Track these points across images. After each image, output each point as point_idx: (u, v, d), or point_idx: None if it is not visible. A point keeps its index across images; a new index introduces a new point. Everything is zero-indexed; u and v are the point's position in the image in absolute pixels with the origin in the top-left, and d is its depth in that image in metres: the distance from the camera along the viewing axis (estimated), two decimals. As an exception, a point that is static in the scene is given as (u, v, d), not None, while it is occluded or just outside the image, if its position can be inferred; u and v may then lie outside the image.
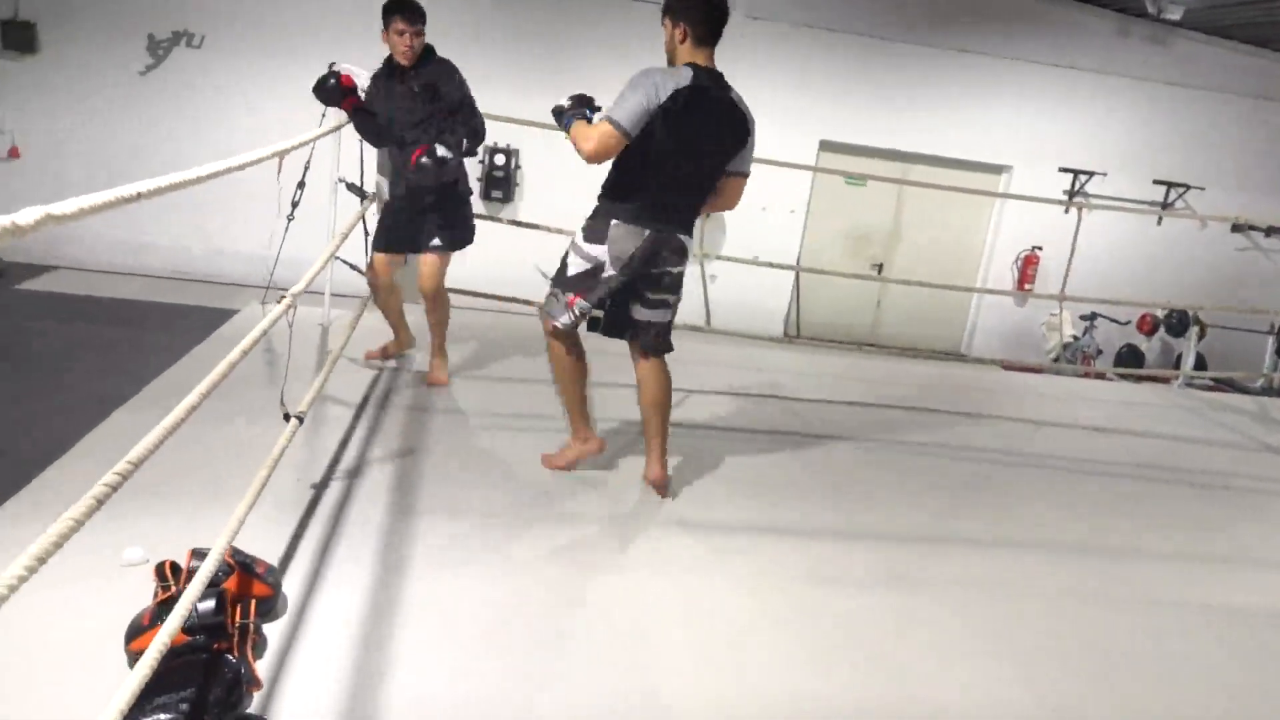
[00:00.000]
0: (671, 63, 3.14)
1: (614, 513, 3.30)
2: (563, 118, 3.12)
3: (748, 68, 8.49)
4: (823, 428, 4.52)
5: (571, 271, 3.23)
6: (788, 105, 8.57)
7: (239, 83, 7.66)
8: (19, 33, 7.27)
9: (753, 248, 7.94)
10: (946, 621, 2.84)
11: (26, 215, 1.11)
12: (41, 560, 1.23)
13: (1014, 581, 3.17)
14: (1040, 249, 9.35)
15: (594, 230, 3.19)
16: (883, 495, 3.79)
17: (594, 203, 3.26)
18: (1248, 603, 3.24)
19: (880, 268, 9.43)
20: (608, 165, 3.18)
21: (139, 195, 1.45)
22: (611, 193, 3.20)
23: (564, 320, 3.27)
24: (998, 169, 9.32)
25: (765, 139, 8.40)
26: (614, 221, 3.16)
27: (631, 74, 3.05)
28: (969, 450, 4.49)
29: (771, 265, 6.46)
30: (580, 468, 3.55)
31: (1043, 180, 9.14)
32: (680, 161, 3.12)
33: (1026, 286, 9.33)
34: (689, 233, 3.30)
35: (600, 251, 3.17)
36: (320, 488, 3.13)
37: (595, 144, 2.97)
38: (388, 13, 3.88)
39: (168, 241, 7.84)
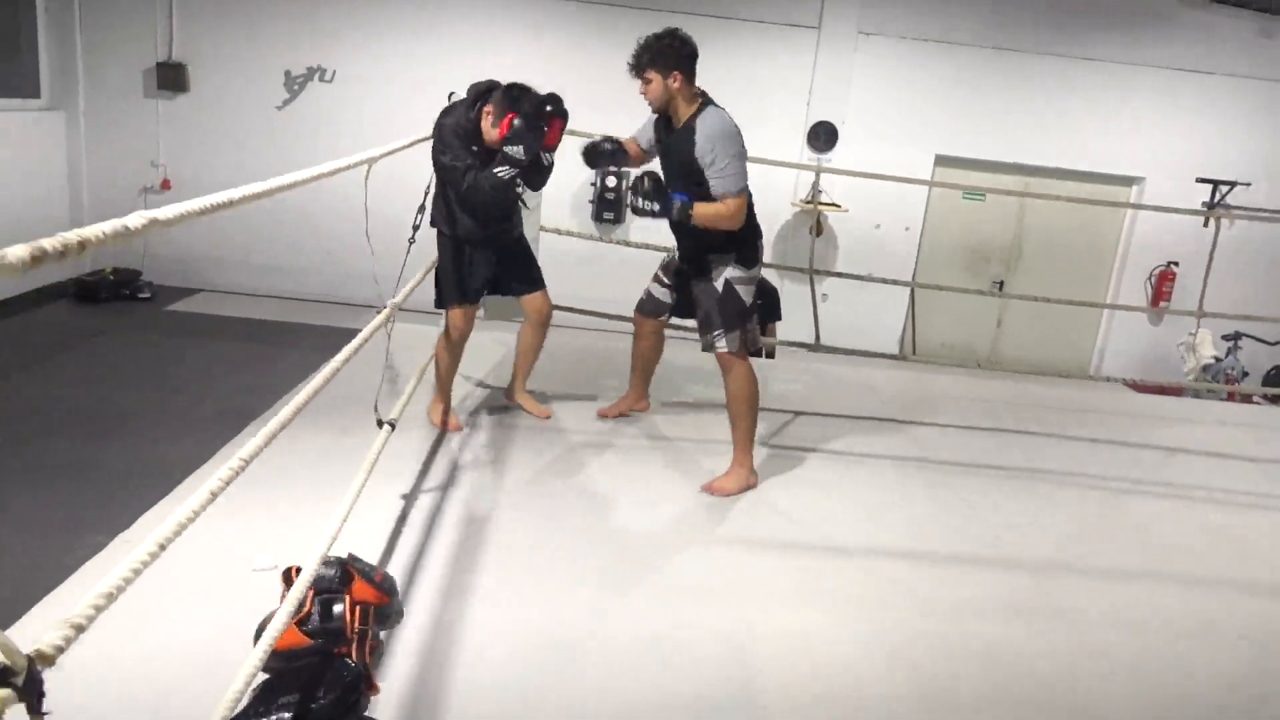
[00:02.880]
0: (665, 110, 3.45)
1: (712, 537, 3.29)
2: (666, 203, 3.36)
3: (860, 82, 8.43)
4: (939, 451, 4.39)
5: (749, 301, 3.59)
6: (901, 120, 8.42)
7: (367, 114, 8.06)
8: (171, 74, 7.85)
9: (866, 265, 7.80)
10: (1072, 656, 2.71)
11: (135, 219, 1.23)
12: (162, 546, 1.33)
13: (1145, 616, 3.00)
14: (1176, 264, 8.84)
15: (747, 256, 3.55)
16: (1001, 522, 3.65)
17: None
18: None
19: (1001, 285, 9.10)
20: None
21: (230, 203, 1.53)
22: (741, 227, 3.50)
23: (750, 347, 3.68)
24: (1128, 180, 8.88)
25: (879, 154, 8.34)
26: (759, 243, 3.63)
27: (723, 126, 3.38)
28: (1094, 477, 4.27)
29: (884, 281, 6.33)
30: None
31: (1178, 191, 8.63)
32: None
33: (1162, 304, 8.84)
34: None
35: (757, 268, 3.61)
36: (410, 497, 3.25)
37: (739, 219, 3.40)
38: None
39: (300, 264, 8.29)
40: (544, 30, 8.13)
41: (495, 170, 3.37)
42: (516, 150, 3.32)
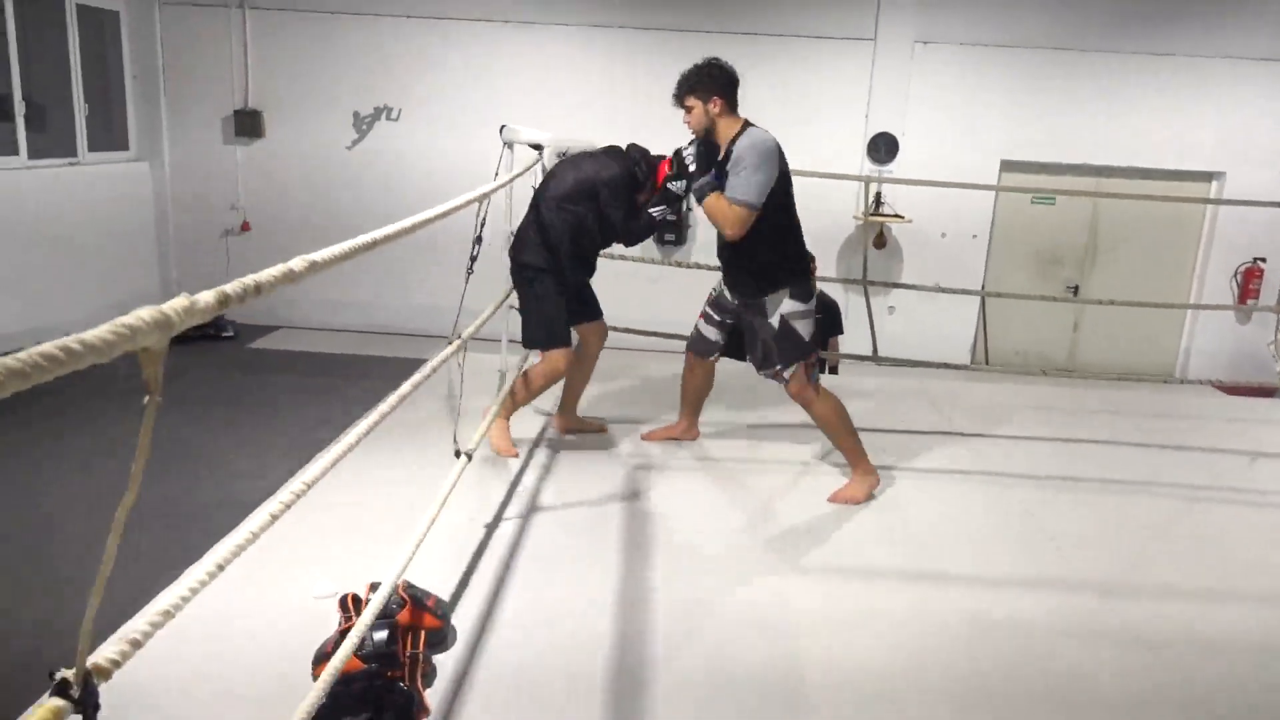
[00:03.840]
0: (711, 135, 3.52)
1: (793, 565, 3.28)
2: (693, 182, 3.50)
3: (920, 91, 8.32)
4: (1007, 464, 4.29)
5: (808, 335, 3.59)
6: (964, 127, 8.28)
7: (431, 149, 8.31)
8: (248, 120, 8.24)
9: (934, 275, 7.68)
10: (1137, 681, 2.62)
11: (298, 262, 1.34)
12: (221, 567, 1.41)
13: (1215, 636, 2.88)
14: (1264, 260, 8.46)
15: (801, 289, 3.56)
16: (1068, 538, 3.55)
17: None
18: None
19: (1076, 289, 8.84)
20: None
21: (373, 242, 1.62)
22: (787, 253, 3.59)
23: (816, 375, 3.70)
24: (1207, 176, 8.54)
25: (942, 163, 8.22)
26: (812, 275, 3.72)
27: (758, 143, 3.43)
28: (1176, 486, 4.11)
29: (952, 291, 6.22)
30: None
31: (1262, 184, 8.27)
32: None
33: (1249, 301, 8.46)
34: None
35: (814, 301, 3.63)
36: (492, 526, 3.31)
37: (737, 229, 3.42)
38: None
39: (368, 299, 8.56)
40: (598, 55, 8.26)
41: (653, 210, 3.75)
42: (678, 186, 3.65)
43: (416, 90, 8.33)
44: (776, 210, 3.47)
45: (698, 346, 4.05)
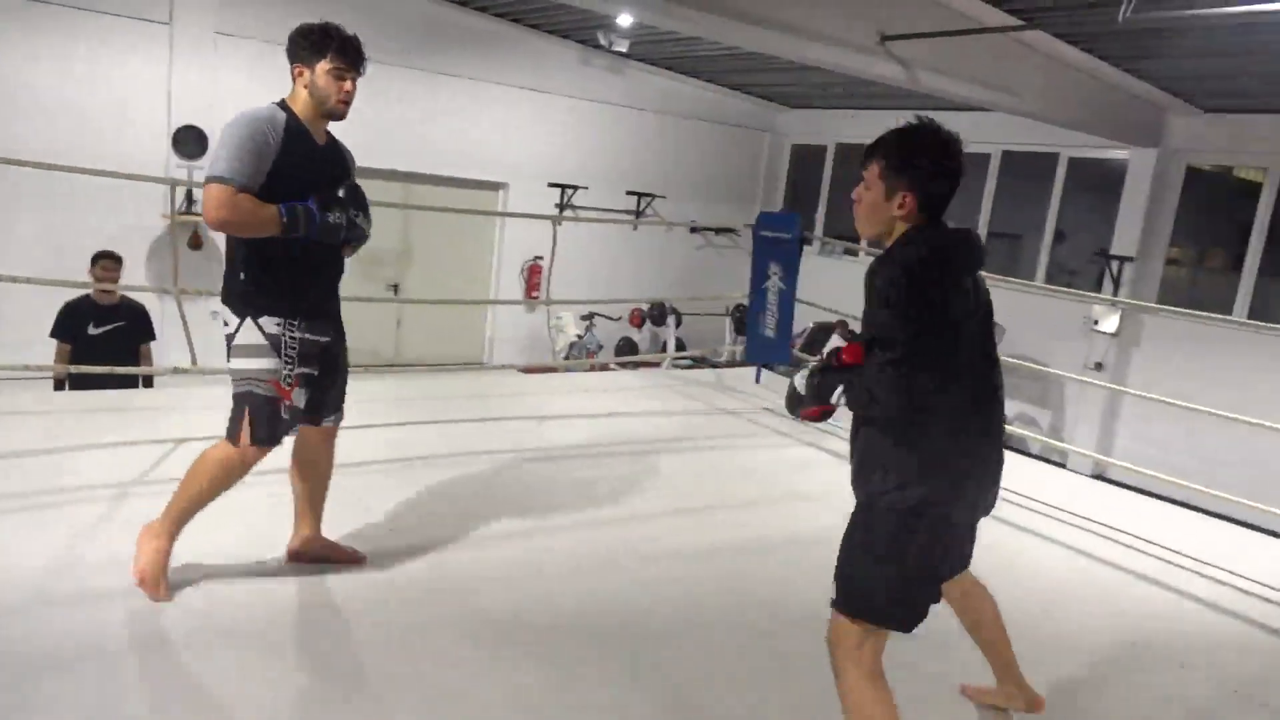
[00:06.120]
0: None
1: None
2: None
3: (231, 83, 7.98)
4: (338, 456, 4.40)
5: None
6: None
7: None
8: None
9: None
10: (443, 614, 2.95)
11: None
12: None
13: (534, 560, 3.41)
14: (541, 258, 10.13)
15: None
16: (401, 516, 3.82)
17: None
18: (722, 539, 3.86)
19: (396, 288, 9.47)
20: None
21: None
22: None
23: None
24: (495, 186, 9.90)
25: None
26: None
27: None
28: (489, 454, 4.69)
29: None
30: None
31: (536, 195, 9.90)
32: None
33: (534, 294, 10.05)
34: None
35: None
36: None
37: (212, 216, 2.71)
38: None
39: None
40: None
41: None
42: None
43: None
44: None
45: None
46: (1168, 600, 3.84)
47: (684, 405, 6.32)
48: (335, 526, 3.38)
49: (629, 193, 10.80)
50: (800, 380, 2.21)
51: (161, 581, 2.85)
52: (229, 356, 2.86)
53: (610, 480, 4.52)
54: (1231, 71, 7.13)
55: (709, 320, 10.94)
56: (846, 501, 2.20)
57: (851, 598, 2.12)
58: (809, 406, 2.19)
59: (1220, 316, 7.73)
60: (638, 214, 10.79)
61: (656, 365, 9.48)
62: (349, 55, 2.92)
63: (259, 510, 3.46)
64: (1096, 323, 8.80)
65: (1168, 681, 3.14)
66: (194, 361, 4.81)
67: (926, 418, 2.04)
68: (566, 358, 9.71)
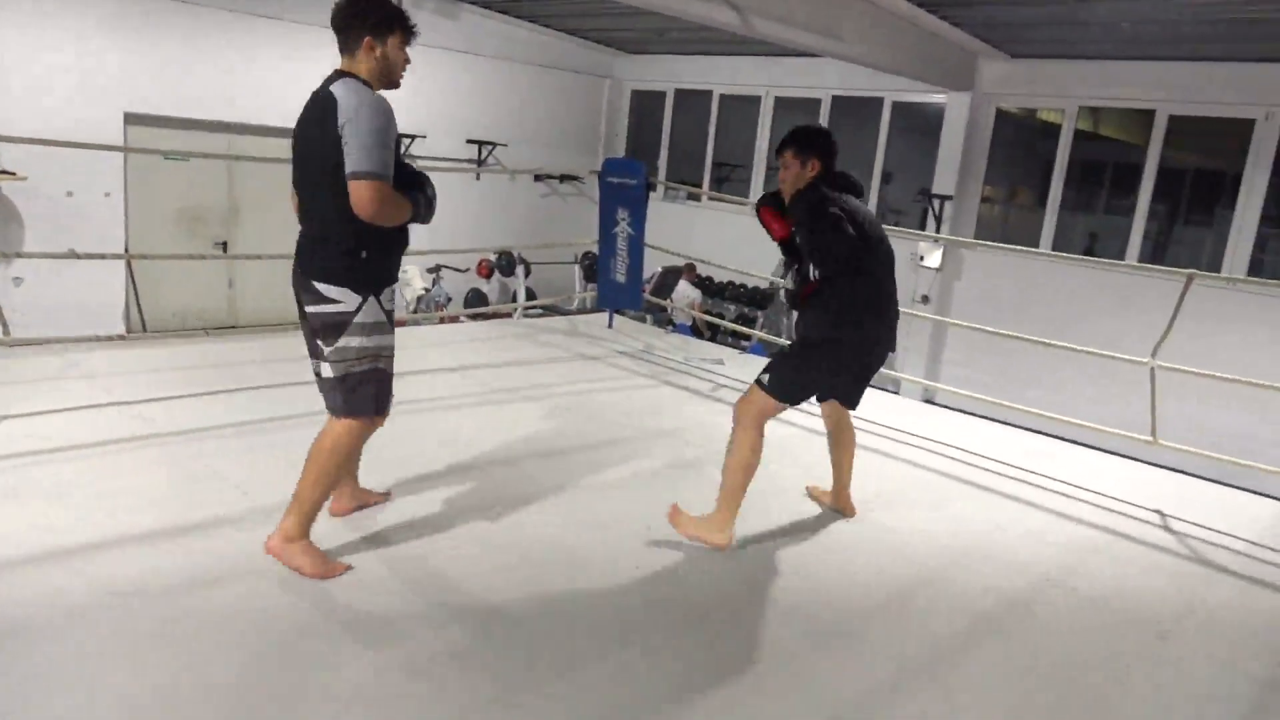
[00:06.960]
0: None
1: None
2: None
3: (34, 33, 7.24)
4: (172, 425, 4.19)
5: None
6: (84, 76, 7.55)
7: None
8: None
9: (67, 240, 6.91)
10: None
11: None
12: None
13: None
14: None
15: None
16: (250, 481, 3.70)
17: None
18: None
19: (225, 245, 8.94)
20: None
21: None
22: None
23: None
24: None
25: (58, 114, 7.39)
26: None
27: None
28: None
29: (91, 256, 5.69)
30: None
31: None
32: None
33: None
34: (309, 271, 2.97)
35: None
36: None
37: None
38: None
39: None
40: None
41: None
42: None
43: None
44: None
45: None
46: (989, 501, 4.26)
47: (539, 353, 6.34)
48: (189, 499, 3.23)
49: (470, 141, 10.57)
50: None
51: (331, 566, 2.96)
52: (341, 335, 2.85)
53: (471, 429, 4.51)
54: (1034, 20, 7.66)
55: (558, 268, 10.94)
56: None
57: (775, 382, 3.32)
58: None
59: (1030, 249, 8.41)
60: (480, 163, 10.59)
61: (508, 316, 9.43)
62: (411, 27, 2.93)
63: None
64: (922, 259, 9.38)
65: (986, 572, 3.49)
66: (6, 332, 4.42)
67: (853, 279, 3.23)
68: (414, 311, 9.50)
